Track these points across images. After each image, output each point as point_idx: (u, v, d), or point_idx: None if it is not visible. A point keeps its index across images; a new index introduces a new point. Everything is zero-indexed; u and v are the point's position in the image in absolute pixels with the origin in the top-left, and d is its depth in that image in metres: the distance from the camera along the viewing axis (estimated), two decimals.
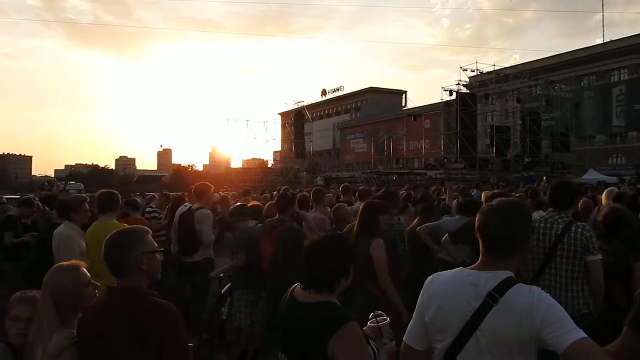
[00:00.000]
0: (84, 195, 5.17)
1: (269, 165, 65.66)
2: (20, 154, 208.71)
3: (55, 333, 2.25)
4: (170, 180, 56.01)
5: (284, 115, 77.57)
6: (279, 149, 75.84)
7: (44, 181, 34.55)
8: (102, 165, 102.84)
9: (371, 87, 70.82)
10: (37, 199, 9.10)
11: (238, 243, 5.64)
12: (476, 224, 1.96)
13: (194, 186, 6.52)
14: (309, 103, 69.67)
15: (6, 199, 19.84)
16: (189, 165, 78.10)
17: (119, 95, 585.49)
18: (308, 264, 2.11)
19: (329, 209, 6.75)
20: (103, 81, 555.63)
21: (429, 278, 2.05)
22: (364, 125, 63.43)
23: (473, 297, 1.85)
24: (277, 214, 5.40)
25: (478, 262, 1.96)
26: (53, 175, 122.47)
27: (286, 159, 66.47)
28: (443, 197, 10.56)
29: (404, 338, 2.07)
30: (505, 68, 42.96)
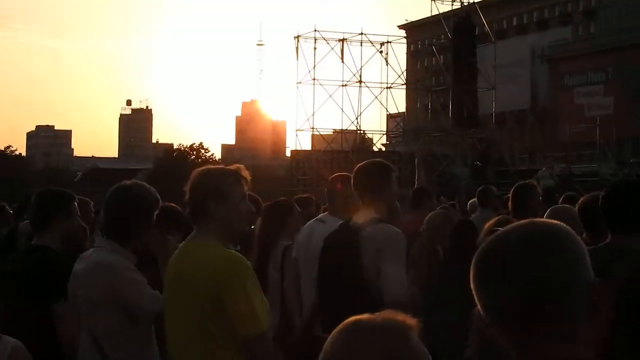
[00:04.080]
0: None
1: (376, 149, 30.67)
2: None
3: None
4: (151, 179, 23.07)
5: (413, 30, 42.61)
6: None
7: None
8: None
9: None
10: None
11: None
12: None
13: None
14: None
15: None
16: (198, 145, 46.02)
17: None
18: None
19: None
20: None
21: None
22: (608, 53, 28.74)
23: None
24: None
25: None
26: None
27: (418, 129, 31.04)
28: None
29: None
30: None
